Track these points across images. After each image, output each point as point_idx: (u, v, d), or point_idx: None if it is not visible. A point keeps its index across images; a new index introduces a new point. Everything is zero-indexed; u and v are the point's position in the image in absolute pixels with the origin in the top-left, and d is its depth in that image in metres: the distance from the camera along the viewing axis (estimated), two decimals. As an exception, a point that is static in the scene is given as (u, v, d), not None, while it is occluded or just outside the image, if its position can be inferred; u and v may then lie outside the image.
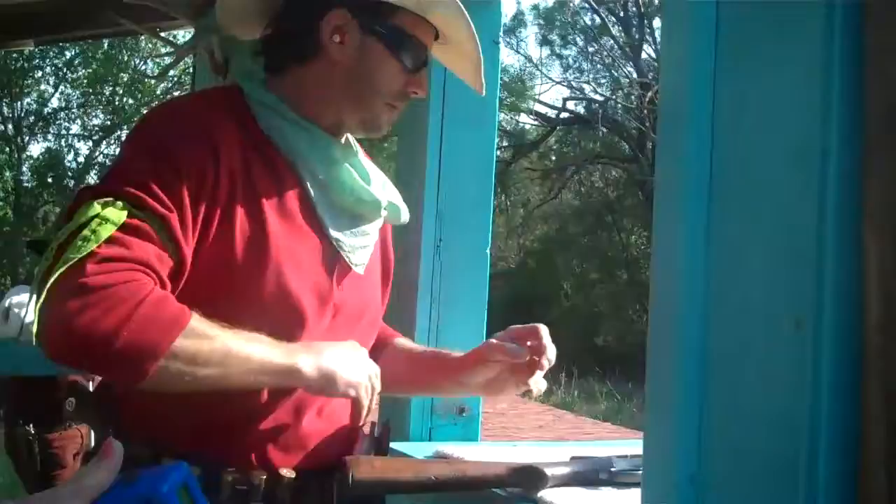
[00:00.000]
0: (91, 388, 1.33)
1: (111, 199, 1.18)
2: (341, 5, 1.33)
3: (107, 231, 1.15)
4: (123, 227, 1.17)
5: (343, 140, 1.42)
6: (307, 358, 1.25)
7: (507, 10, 19.55)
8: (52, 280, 1.15)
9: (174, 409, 1.24)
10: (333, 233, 1.35)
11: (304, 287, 1.29)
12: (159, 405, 1.24)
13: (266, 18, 1.41)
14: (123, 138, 1.38)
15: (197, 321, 1.18)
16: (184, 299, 1.19)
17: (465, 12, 1.38)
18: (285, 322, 1.27)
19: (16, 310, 4.43)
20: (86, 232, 1.15)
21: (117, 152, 1.31)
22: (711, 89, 0.78)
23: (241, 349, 1.20)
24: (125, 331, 1.12)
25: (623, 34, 18.97)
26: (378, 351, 1.48)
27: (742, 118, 0.76)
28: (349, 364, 1.29)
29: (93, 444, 1.29)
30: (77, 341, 1.14)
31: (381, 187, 1.43)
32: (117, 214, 1.17)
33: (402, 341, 1.57)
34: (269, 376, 1.23)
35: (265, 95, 1.36)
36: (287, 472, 1.28)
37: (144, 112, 1.34)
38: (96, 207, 1.17)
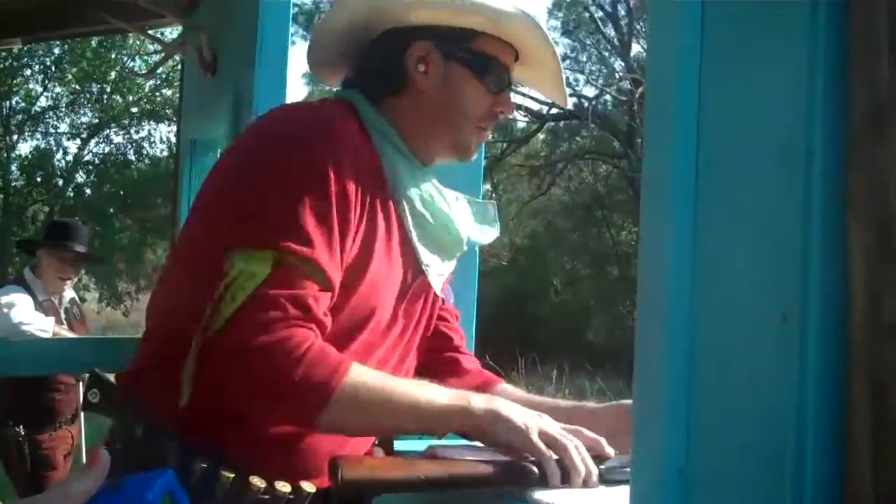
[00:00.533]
0: (112, 380, 1.34)
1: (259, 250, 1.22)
2: (423, 37, 1.39)
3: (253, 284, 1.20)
4: (271, 280, 1.20)
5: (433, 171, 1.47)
6: (477, 398, 1.31)
7: None
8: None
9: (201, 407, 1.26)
10: (425, 259, 1.41)
11: (385, 305, 1.36)
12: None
13: (350, 60, 1.46)
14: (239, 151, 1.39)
15: (358, 366, 1.24)
16: None
17: (541, 27, 1.43)
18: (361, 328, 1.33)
19: (5, 310, 4.41)
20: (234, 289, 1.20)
21: (246, 167, 1.30)
22: (697, 88, 0.79)
23: (407, 390, 1.27)
24: (295, 376, 1.18)
25: (613, 30, 18.98)
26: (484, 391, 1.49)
27: (727, 117, 0.76)
28: (520, 412, 1.32)
29: (112, 435, 1.30)
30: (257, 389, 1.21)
31: (462, 220, 1.49)
32: (261, 268, 1.20)
33: (508, 387, 1.62)
34: (436, 416, 1.28)
35: (376, 117, 1.40)
36: (307, 487, 1.29)
37: (266, 125, 1.36)
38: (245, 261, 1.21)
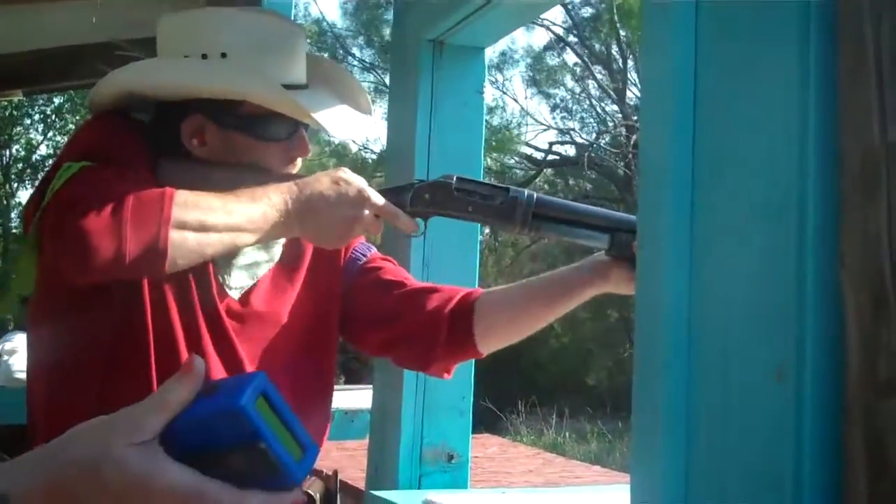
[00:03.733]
0: None
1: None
2: (195, 109, 1.35)
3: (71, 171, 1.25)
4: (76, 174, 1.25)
5: None
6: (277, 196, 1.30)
7: (496, 46, 19.70)
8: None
9: None
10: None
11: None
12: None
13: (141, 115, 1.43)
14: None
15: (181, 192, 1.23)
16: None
17: (306, 55, 1.42)
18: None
19: (5, 357, 4.39)
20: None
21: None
22: (691, 143, 0.80)
23: (229, 202, 1.26)
24: (126, 225, 1.18)
25: (607, 77, 19.14)
26: (465, 308, 1.49)
27: (720, 174, 0.77)
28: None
29: None
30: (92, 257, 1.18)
31: None
32: (67, 172, 1.26)
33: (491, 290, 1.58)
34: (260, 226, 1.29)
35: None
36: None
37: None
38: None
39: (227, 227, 1.25)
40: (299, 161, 1.44)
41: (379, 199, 1.39)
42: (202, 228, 1.23)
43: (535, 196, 1.44)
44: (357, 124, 1.49)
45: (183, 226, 1.20)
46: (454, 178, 1.46)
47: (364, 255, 1.56)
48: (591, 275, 1.48)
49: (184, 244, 1.21)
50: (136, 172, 1.29)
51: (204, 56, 1.36)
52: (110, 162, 1.29)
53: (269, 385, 0.79)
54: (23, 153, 20.12)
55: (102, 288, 1.26)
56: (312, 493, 1.41)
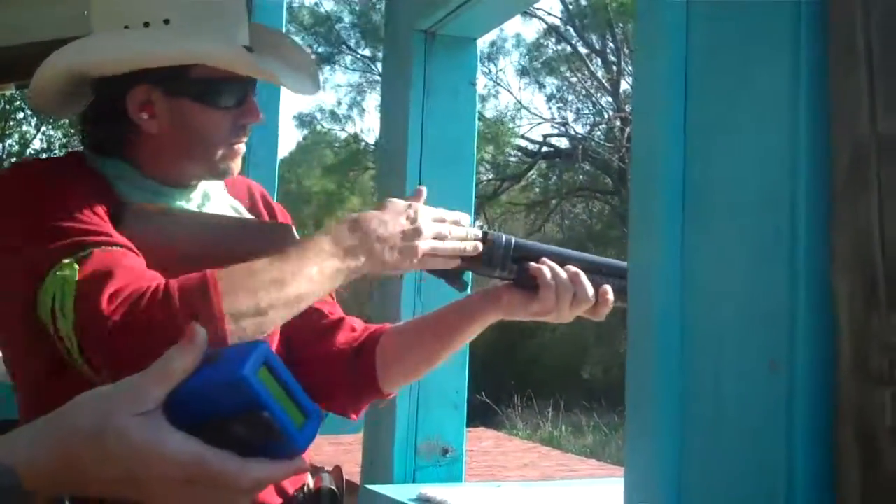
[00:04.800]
0: None
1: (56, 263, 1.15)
2: (141, 81, 1.30)
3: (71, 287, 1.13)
4: (84, 270, 1.13)
5: (198, 187, 1.41)
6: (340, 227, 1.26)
7: (487, 37, 19.68)
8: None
9: None
10: None
11: None
12: None
13: (82, 98, 1.38)
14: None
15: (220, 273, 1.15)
16: None
17: (247, 19, 1.38)
18: None
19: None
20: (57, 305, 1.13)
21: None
22: (683, 136, 0.80)
23: (276, 269, 1.18)
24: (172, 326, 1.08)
25: (602, 68, 19.16)
26: (369, 346, 1.45)
27: (712, 167, 0.77)
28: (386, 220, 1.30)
29: None
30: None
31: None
32: (70, 271, 1.14)
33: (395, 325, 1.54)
34: (309, 255, 1.22)
35: (109, 162, 1.34)
36: None
37: None
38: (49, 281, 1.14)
39: (285, 302, 1.17)
40: (249, 129, 1.38)
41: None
42: (259, 313, 1.15)
43: (513, 240, 1.41)
44: (311, 82, 1.45)
45: (238, 317, 1.13)
46: None
47: None
48: (483, 300, 1.44)
49: (243, 334, 1.13)
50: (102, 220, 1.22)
51: (146, 24, 1.31)
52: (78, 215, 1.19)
53: (271, 353, 0.79)
54: (16, 147, 20.09)
55: None
56: (334, 488, 1.39)
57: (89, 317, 1.11)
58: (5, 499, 0.75)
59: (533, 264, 1.39)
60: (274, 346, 1.37)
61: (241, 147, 1.38)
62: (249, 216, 1.47)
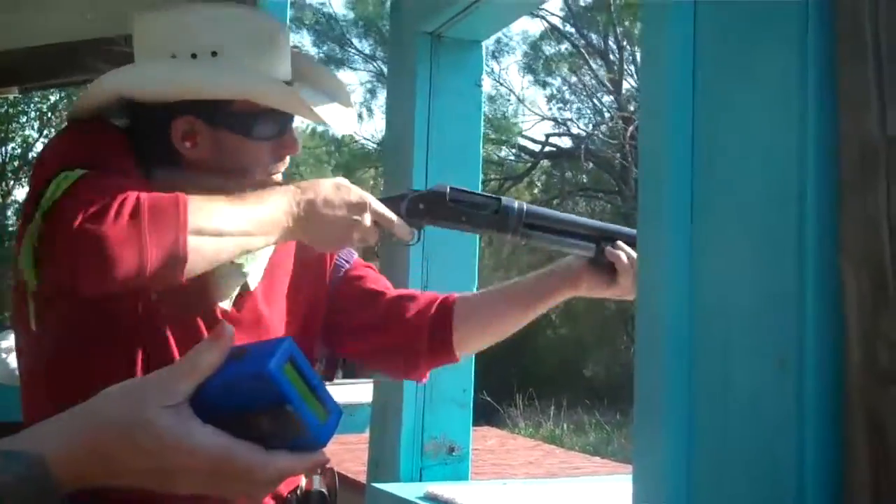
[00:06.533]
0: None
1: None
2: (184, 110, 1.33)
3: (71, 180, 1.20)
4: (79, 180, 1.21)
5: None
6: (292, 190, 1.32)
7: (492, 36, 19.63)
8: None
9: None
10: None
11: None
12: None
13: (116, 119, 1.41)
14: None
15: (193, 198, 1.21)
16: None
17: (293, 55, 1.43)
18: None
19: (3, 355, 4.39)
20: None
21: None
22: (690, 132, 0.80)
23: (238, 205, 1.26)
24: (145, 232, 1.15)
25: (604, 68, 19.12)
26: (444, 315, 1.52)
27: (720, 163, 0.77)
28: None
29: None
30: (109, 266, 1.14)
31: None
32: (67, 179, 1.21)
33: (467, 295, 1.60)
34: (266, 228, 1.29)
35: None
36: None
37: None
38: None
39: (239, 232, 1.25)
40: (287, 159, 1.44)
41: (379, 206, 1.41)
42: (217, 233, 1.22)
43: (525, 206, 1.50)
44: (349, 117, 1.50)
45: (199, 231, 1.19)
46: (448, 189, 1.49)
47: (347, 262, 1.57)
48: (562, 279, 1.54)
49: (201, 250, 1.20)
50: (130, 180, 1.27)
51: (193, 56, 1.34)
52: (101, 169, 1.26)
53: (296, 350, 0.82)
54: (19, 151, 20.08)
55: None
56: (324, 490, 1.41)
57: (58, 220, 1.18)
58: (33, 489, 0.77)
59: (610, 249, 1.48)
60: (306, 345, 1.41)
61: (279, 176, 1.43)
62: None
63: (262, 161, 1.38)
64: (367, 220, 1.39)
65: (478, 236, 1.89)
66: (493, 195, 1.53)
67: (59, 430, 0.83)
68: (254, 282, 1.41)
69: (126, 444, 0.80)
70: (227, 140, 1.35)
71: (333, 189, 1.36)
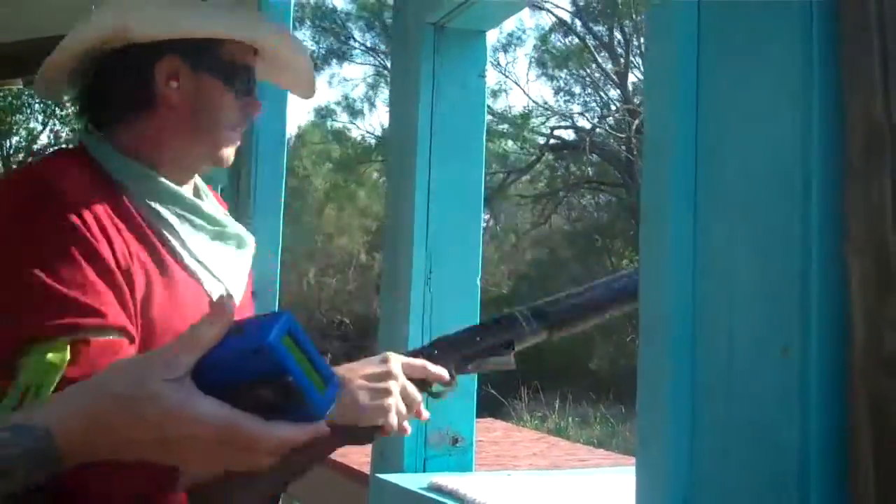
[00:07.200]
0: None
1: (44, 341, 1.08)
2: (169, 51, 1.35)
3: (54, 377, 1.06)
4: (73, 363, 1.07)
5: (192, 185, 1.44)
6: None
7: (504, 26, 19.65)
8: None
9: None
10: (217, 272, 1.36)
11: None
12: None
13: (78, 77, 1.41)
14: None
15: None
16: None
17: (288, 29, 1.49)
18: None
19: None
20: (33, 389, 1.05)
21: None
22: (694, 119, 0.80)
23: None
24: None
25: (610, 61, 19.10)
26: None
27: (725, 149, 0.77)
28: None
29: None
30: None
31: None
32: (60, 357, 1.07)
33: None
34: None
35: (112, 155, 1.34)
36: None
37: None
38: (33, 358, 1.07)
39: None
40: (250, 120, 1.48)
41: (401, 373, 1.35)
42: None
43: (527, 310, 1.48)
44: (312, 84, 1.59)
45: None
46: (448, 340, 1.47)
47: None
48: None
49: None
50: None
51: None
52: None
53: (294, 323, 0.83)
54: (23, 143, 20.11)
55: None
56: None
57: None
58: (41, 460, 0.79)
59: None
60: None
61: (240, 137, 1.45)
62: (237, 225, 1.49)
63: (231, 116, 1.41)
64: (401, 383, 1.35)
65: (480, 230, 1.90)
66: (501, 316, 1.50)
67: (66, 403, 0.86)
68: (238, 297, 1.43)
69: (131, 416, 0.82)
70: (208, 86, 1.38)
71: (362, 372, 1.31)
